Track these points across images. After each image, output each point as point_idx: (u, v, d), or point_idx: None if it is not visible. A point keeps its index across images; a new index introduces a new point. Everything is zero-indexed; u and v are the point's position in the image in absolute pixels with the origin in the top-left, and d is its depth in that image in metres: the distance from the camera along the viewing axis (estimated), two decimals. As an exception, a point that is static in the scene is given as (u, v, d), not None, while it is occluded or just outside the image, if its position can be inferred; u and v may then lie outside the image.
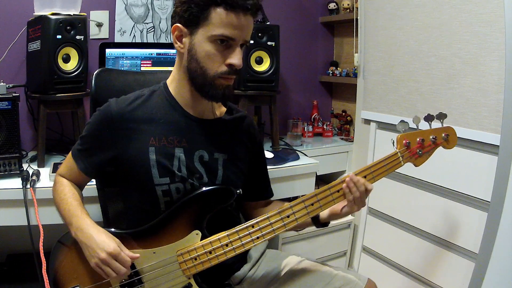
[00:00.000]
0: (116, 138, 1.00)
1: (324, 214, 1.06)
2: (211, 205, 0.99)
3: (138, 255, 0.94)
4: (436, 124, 1.11)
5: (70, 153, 1.07)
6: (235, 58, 0.94)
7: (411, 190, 1.76)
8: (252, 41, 1.79)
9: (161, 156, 0.99)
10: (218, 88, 0.96)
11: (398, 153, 1.05)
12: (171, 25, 0.98)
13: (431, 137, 1.08)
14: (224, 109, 1.12)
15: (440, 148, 1.12)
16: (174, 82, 1.04)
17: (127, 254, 0.92)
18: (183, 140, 1.01)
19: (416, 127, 1.08)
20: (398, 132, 1.08)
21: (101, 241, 0.91)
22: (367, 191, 1.00)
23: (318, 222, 1.08)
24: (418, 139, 1.07)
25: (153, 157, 0.98)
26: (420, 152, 1.07)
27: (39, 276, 1.00)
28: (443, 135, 1.09)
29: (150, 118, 1.01)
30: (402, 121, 1.07)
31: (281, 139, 2.15)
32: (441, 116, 1.10)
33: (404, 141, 1.05)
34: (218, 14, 0.91)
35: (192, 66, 0.96)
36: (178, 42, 0.98)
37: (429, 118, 1.09)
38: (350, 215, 2.14)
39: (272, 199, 1.25)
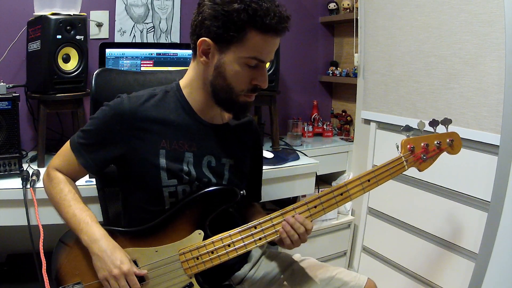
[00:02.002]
0: (127, 136, 0.98)
1: None
2: (214, 205, 0.99)
3: (145, 271, 0.94)
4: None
5: (68, 145, 1.03)
6: (262, 81, 0.95)
7: (410, 190, 1.76)
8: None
9: (171, 160, 0.98)
10: (239, 104, 0.97)
11: (402, 157, 1.05)
12: (195, 35, 0.95)
13: (435, 142, 1.08)
14: None
15: (440, 148, 1.12)
16: (189, 87, 1.02)
17: (135, 272, 0.92)
18: (193, 145, 1.01)
19: (420, 132, 1.07)
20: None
21: (116, 259, 0.90)
22: (307, 231, 0.97)
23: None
24: (422, 144, 1.06)
25: (163, 160, 0.98)
26: (425, 157, 1.06)
27: (39, 276, 1.00)
28: (448, 140, 1.09)
29: (163, 119, 1.00)
30: (407, 126, 1.06)
31: (281, 139, 2.15)
32: (446, 122, 1.09)
33: (408, 146, 1.05)
34: (254, 36, 0.90)
35: (218, 82, 0.95)
36: (203, 56, 0.95)
37: (434, 123, 1.08)
38: (350, 215, 2.15)
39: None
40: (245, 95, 0.96)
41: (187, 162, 1.00)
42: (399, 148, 1.06)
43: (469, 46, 1.50)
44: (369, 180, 1.01)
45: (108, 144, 1.00)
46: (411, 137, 1.06)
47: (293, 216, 0.96)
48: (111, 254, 0.91)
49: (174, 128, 1.00)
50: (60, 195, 1.00)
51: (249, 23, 0.88)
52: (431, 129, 1.09)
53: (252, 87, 0.96)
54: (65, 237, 1.00)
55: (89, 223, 0.95)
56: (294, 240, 0.96)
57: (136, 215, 1.05)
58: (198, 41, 0.94)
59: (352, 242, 2.17)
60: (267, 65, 1.87)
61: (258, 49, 0.91)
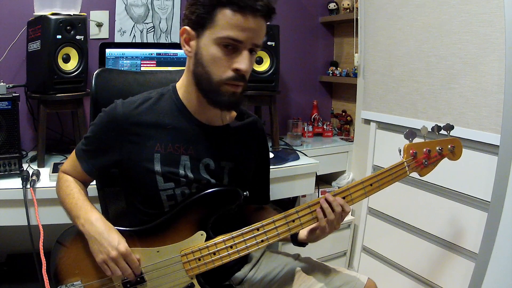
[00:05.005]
0: (121, 142, 0.98)
1: (303, 233, 1.04)
2: (217, 206, 0.99)
3: (138, 256, 0.94)
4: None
5: (74, 151, 1.06)
6: (242, 63, 0.89)
7: (410, 190, 1.76)
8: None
9: (166, 163, 0.97)
10: (224, 95, 0.91)
11: (405, 162, 1.05)
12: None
13: (437, 148, 1.08)
14: (234, 113, 1.10)
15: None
16: (183, 87, 1.01)
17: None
18: (189, 148, 1.00)
19: (423, 138, 1.07)
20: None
21: (113, 239, 0.91)
22: (344, 212, 0.97)
23: (296, 240, 1.06)
24: (424, 150, 1.06)
25: (158, 164, 0.97)
26: (426, 163, 1.06)
27: (39, 276, 1.00)
28: (449, 146, 1.09)
29: (157, 123, 0.99)
30: (410, 130, 1.06)
31: (281, 139, 2.15)
32: (448, 128, 1.09)
33: (411, 151, 1.05)
34: (224, 15, 0.86)
35: (198, 71, 0.92)
36: (186, 46, 0.94)
37: (436, 129, 1.09)
38: (350, 215, 2.14)
39: (272, 199, 1.24)
40: (227, 83, 0.91)
41: (184, 166, 0.99)
42: (402, 153, 1.06)
43: (469, 46, 1.50)
44: (371, 185, 1.02)
45: (105, 150, 1.00)
46: (413, 142, 1.06)
47: (333, 195, 0.97)
48: (107, 236, 0.91)
49: (169, 131, 0.99)
50: (66, 190, 1.02)
51: (218, 1, 0.86)
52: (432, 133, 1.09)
53: (235, 74, 0.90)
54: (62, 237, 1.00)
55: (87, 210, 0.96)
56: (330, 220, 0.96)
57: (136, 216, 1.05)
58: (180, 31, 0.94)
59: (352, 242, 2.17)
60: (266, 65, 1.89)
61: (230, 27, 0.86)
